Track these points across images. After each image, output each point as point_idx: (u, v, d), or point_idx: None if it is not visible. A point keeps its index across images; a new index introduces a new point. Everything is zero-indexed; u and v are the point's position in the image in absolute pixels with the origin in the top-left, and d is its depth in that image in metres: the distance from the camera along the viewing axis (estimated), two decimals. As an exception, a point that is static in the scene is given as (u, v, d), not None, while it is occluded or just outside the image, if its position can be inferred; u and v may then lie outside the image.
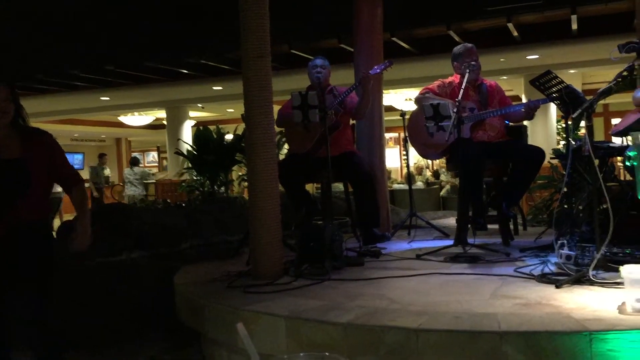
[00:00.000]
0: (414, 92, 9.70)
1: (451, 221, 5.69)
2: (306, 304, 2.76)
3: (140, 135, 20.74)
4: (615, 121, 15.49)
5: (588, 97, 3.30)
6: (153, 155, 23.62)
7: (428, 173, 13.39)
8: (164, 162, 20.99)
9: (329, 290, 3.07)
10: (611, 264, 3.04)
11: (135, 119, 16.16)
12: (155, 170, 21.01)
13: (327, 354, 1.04)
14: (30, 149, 2.60)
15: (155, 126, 18.55)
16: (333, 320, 2.49)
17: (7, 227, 2.55)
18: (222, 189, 7.03)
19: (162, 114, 15.40)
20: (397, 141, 18.14)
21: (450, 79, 4.48)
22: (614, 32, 7.54)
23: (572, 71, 10.86)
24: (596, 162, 3.13)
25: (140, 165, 12.59)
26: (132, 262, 4.71)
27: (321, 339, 2.48)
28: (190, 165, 7.20)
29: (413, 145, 4.59)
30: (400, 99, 13.13)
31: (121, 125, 17.51)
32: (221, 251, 4.70)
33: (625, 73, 3.30)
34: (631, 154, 2.12)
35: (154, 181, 12.54)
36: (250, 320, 2.71)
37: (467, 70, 4.11)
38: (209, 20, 8.07)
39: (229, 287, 3.24)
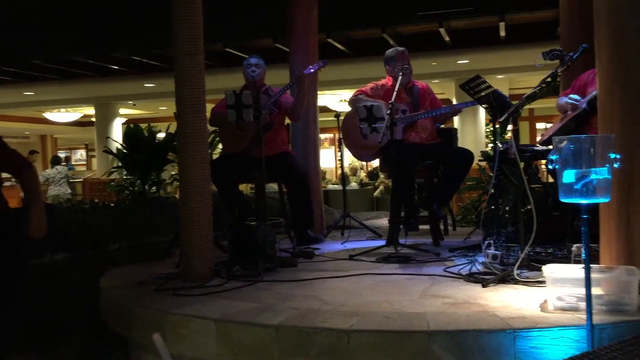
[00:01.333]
0: (349, 93, 9.79)
1: (384, 222, 5.77)
2: (237, 306, 2.72)
3: (67, 132, 19.97)
4: (540, 125, 16.22)
5: (515, 102, 3.41)
6: (81, 154, 22.81)
7: (362, 174, 13.54)
8: (93, 161, 20.28)
9: (261, 292, 3.04)
10: (534, 263, 3.16)
11: (62, 115, 15.53)
12: (83, 168, 20.28)
13: None
14: None
15: (83, 123, 17.90)
16: (264, 322, 2.46)
17: None
18: (154, 188, 6.85)
19: (90, 110, 14.87)
20: (332, 142, 18.28)
21: (383, 81, 4.53)
22: (540, 39, 7.88)
23: (500, 76, 11.27)
24: (521, 164, 3.24)
25: (63, 163, 12.05)
26: (56, 265, 4.51)
27: (252, 342, 2.45)
28: (119, 164, 6.98)
29: (347, 147, 4.62)
30: (335, 100, 13.24)
31: (46, 121, 16.77)
32: (151, 253, 4.57)
33: (549, 79, 3.43)
34: (553, 157, 2.20)
35: (81, 180, 12.08)
36: (180, 323, 2.64)
37: (400, 74, 4.18)
38: (139, 14, 7.86)
39: (158, 289, 3.15)
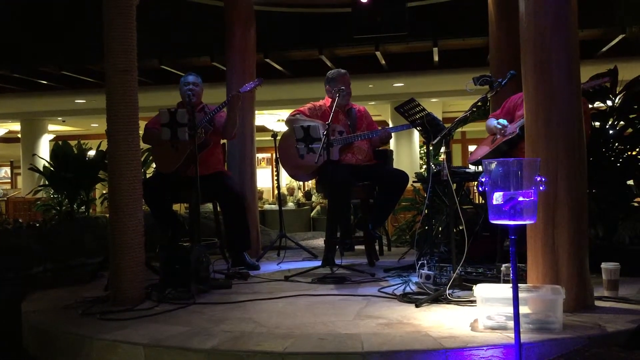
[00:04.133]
0: (287, 113, 9.81)
1: (320, 242, 5.78)
2: (168, 330, 2.63)
3: (-9, 148, 19.03)
4: (471, 148, 16.73)
5: (448, 125, 3.50)
6: (5, 171, 21.75)
7: (299, 194, 13.55)
8: (18, 179, 19.39)
9: (194, 315, 2.96)
10: (466, 283, 3.22)
11: (-15, 130, 14.82)
12: (7, 187, 19.34)
13: None
14: None
15: (8, 139, 17.11)
16: (196, 346, 2.39)
17: None
18: (83, 208, 6.60)
19: (16, 126, 14.24)
20: (269, 161, 18.21)
21: (321, 102, 4.57)
22: (472, 65, 8.17)
23: (434, 100, 11.59)
24: (453, 186, 3.32)
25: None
26: (-26, 289, 4.25)
27: (183, 367, 2.37)
28: (46, 182, 6.70)
29: (283, 167, 4.61)
30: (273, 119, 13.24)
31: (-32, 137, 15.96)
32: (78, 275, 4.38)
33: (479, 104, 3.55)
34: (483, 179, 2.26)
35: (4, 199, 11.51)
36: (107, 350, 2.53)
37: (337, 95, 4.23)
38: (70, 27, 7.63)
39: (84, 314, 3.02)
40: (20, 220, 7.12)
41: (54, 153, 6.57)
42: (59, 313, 3.12)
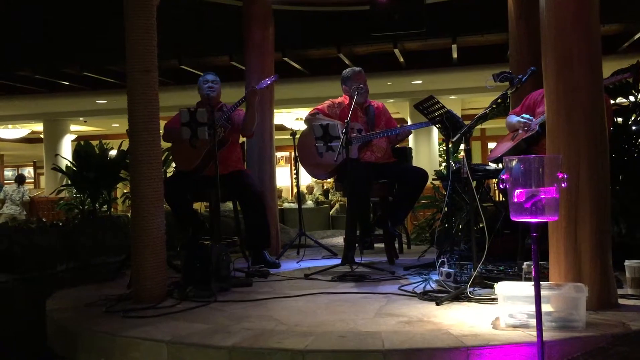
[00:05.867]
0: (305, 111, 9.82)
1: (340, 240, 5.79)
2: (190, 328, 2.66)
3: (14, 149, 19.32)
4: (491, 145, 16.61)
5: (467, 122, 3.48)
6: (29, 171, 22.09)
7: (318, 192, 13.55)
8: (41, 179, 19.67)
9: (215, 312, 2.98)
10: (487, 281, 3.20)
11: (8, 131, 15.03)
12: (31, 186, 19.64)
13: None
14: None
15: (31, 139, 17.36)
16: (217, 344, 2.41)
17: None
18: (105, 207, 6.68)
19: (39, 127, 14.44)
20: (288, 160, 18.26)
21: (339, 99, 4.57)
22: (491, 61, 8.10)
23: (452, 97, 11.51)
24: (473, 183, 3.30)
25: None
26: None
27: (205, 365, 2.39)
28: (69, 182, 6.78)
29: (303, 165, 4.62)
30: (291, 118, 13.26)
31: (-8, 138, 16.20)
32: (101, 273, 4.44)
33: (499, 100, 3.52)
34: (504, 177, 2.25)
35: (28, 199, 11.68)
36: (130, 347, 2.56)
37: (356, 93, 4.22)
38: (90, 28, 7.71)
39: (107, 312, 3.05)
40: (43, 220, 7.24)
41: (76, 153, 6.66)
42: (83, 311, 3.16)
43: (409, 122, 10.84)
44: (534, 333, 2.19)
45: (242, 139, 4.71)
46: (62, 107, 12.15)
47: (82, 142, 6.79)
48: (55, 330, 3.08)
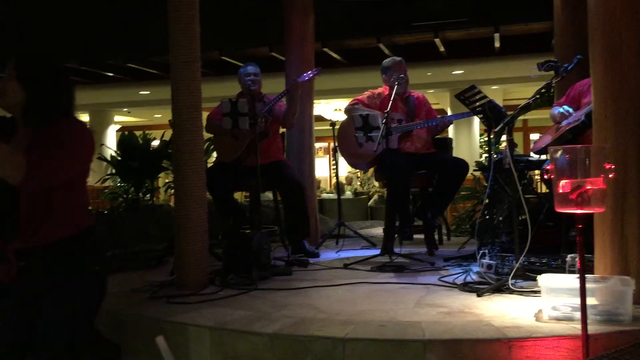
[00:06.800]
0: (344, 102, 9.81)
1: (378, 231, 5.78)
2: (232, 314, 2.71)
3: (61, 139, 19.86)
4: (533, 136, 16.30)
5: (509, 112, 3.43)
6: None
7: (357, 183, 13.54)
8: (87, 168, 20.15)
9: (256, 300, 3.03)
10: (529, 273, 3.16)
11: (56, 122, 15.46)
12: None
13: None
14: (37, 146, 1.86)
15: (77, 130, 17.79)
16: (259, 330, 2.45)
17: (20, 258, 1.85)
18: (147, 196, 6.82)
19: (85, 117, 14.83)
20: (326, 151, 18.25)
21: (379, 90, 4.55)
22: (534, 51, 7.93)
23: (494, 87, 11.32)
24: (516, 174, 3.25)
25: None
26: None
27: (247, 350, 2.44)
28: (113, 171, 6.94)
29: (342, 155, 4.63)
30: (330, 109, 13.24)
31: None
32: (144, 261, 4.55)
33: (543, 90, 3.45)
34: (549, 167, 2.21)
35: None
36: (174, 331, 2.62)
37: (396, 83, 4.20)
38: (134, 21, 7.86)
39: (152, 297, 3.14)
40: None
41: (120, 143, 6.80)
42: (128, 296, 3.25)
43: (449, 113, 10.71)
44: (578, 326, 2.17)
45: (282, 130, 4.74)
46: (106, 98, 12.43)
47: (126, 133, 6.93)
48: (103, 314, 3.17)
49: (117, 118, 14.84)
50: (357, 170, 10.68)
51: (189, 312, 2.79)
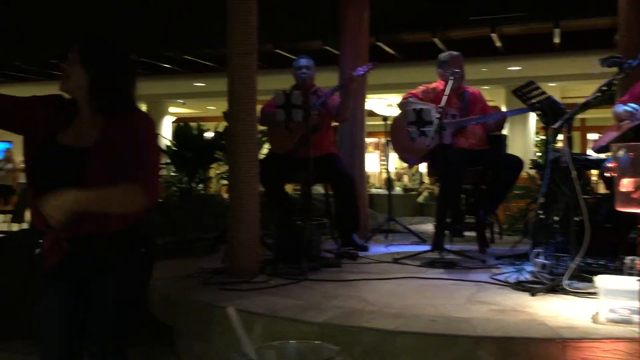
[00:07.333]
0: (396, 97, 9.74)
1: (428, 227, 5.73)
2: (282, 303, 2.75)
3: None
4: (591, 136, 15.81)
5: (568, 111, 3.34)
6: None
7: (406, 179, 13.45)
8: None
9: (306, 290, 3.06)
10: (585, 274, 3.07)
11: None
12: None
13: (318, 342, 1.05)
14: (106, 137, 1.89)
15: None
16: (309, 319, 2.47)
17: (75, 244, 1.85)
18: (200, 186, 6.97)
19: (142, 108, 15.22)
20: (376, 146, 18.18)
21: (434, 84, 4.50)
22: (595, 47, 7.67)
23: (552, 84, 11.02)
24: (574, 173, 3.17)
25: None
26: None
27: (296, 338, 2.45)
28: (169, 160, 7.12)
29: (394, 149, 4.61)
30: (382, 104, 13.18)
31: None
32: (197, 248, 4.65)
33: (604, 87, 3.35)
34: (610, 165, 2.15)
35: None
36: (225, 317, 2.67)
37: (451, 78, 4.14)
38: (191, 14, 8.01)
39: (205, 283, 3.21)
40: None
41: (176, 133, 6.96)
42: (182, 281, 3.34)
43: (504, 110, 10.49)
44: (637, 329, 2.10)
45: (334, 123, 4.75)
46: (162, 90, 12.73)
47: (181, 124, 7.10)
48: (157, 297, 3.27)
49: (171, 109, 15.19)
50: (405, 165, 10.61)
51: (241, 299, 2.84)
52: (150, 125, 1.97)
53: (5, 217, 9.44)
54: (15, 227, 8.20)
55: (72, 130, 1.91)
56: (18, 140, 1.94)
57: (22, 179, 11.43)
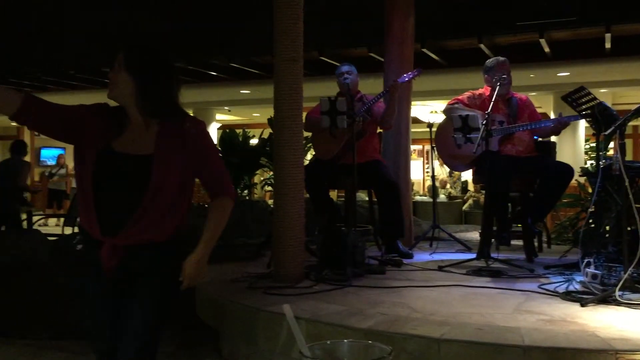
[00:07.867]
0: (440, 104, 9.66)
1: (473, 235, 5.66)
2: (327, 308, 2.76)
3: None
4: (644, 143, 15.30)
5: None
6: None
7: (449, 187, 13.30)
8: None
9: (350, 296, 3.06)
10: (638, 285, 2.98)
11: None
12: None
13: (370, 342, 1.06)
14: (164, 143, 1.93)
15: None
16: (354, 325, 2.48)
17: (121, 253, 1.90)
18: (245, 192, 7.05)
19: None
20: (420, 153, 18.04)
21: (480, 90, 4.45)
22: (649, 52, 7.46)
23: (602, 90, 10.72)
24: (627, 181, 3.08)
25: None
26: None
27: (341, 344, 2.47)
28: (214, 166, 7.24)
29: (439, 156, 4.57)
30: (426, 111, 13.08)
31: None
32: (241, 253, 4.71)
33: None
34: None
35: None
36: (272, 320, 2.71)
37: (498, 84, 4.08)
38: (238, 22, 8.14)
39: (250, 287, 3.25)
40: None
41: (222, 140, 7.08)
42: (228, 285, 3.39)
43: (552, 117, 10.25)
44: (695, 343, 2.03)
45: (379, 130, 4.75)
46: (209, 97, 12.94)
47: (227, 130, 7.21)
48: (203, 300, 3.34)
49: (218, 116, 15.43)
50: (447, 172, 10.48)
51: (285, 303, 2.86)
52: (205, 129, 2.03)
53: (59, 220, 9.77)
54: (68, 231, 8.47)
55: (125, 137, 1.94)
56: (70, 146, 1.99)
57: (74, 184, 11.81)
